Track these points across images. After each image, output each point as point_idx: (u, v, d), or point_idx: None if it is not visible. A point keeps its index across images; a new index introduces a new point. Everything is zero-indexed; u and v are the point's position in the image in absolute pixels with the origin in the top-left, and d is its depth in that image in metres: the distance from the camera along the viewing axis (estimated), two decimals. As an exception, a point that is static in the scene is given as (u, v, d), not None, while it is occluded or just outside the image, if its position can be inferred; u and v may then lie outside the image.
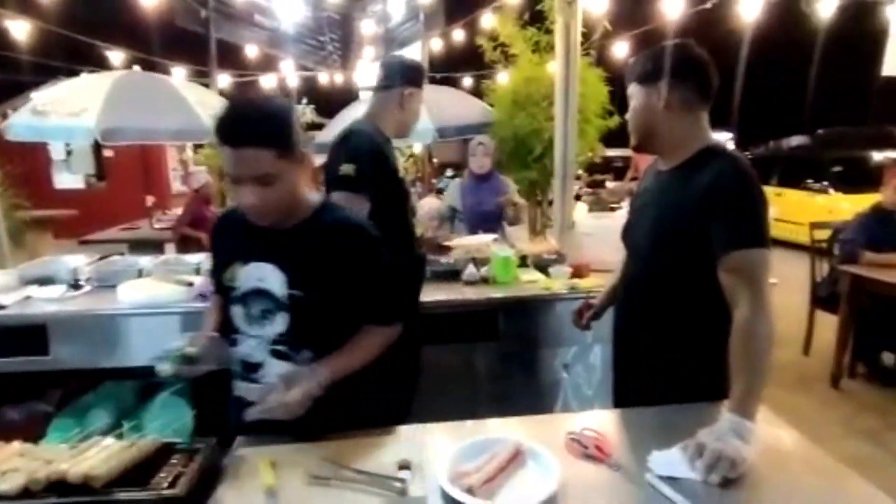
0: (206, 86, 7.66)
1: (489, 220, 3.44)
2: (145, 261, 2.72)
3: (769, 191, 8.37)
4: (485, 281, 2.64)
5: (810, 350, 3.97)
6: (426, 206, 3.86)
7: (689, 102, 1.38)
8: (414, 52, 8.21)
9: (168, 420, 1.23)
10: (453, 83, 8.26)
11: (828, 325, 3.71)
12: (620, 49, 5.38)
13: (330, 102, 8.44)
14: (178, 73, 7.55)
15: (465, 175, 3.71)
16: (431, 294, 2.38)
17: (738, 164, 1.33)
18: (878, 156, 8.17)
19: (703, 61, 1.39)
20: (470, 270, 2.66)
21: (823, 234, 4.02)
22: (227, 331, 1.35)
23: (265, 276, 1.29)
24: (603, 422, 1.32)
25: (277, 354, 1.30)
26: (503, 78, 5.55)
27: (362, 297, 1.33)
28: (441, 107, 5.17)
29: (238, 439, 1.28)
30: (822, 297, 3.84)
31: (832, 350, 3.54)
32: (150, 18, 5.86)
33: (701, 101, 1.40)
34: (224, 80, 8.61)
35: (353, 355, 1.31)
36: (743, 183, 1.30)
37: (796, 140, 10.59)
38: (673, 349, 1.41)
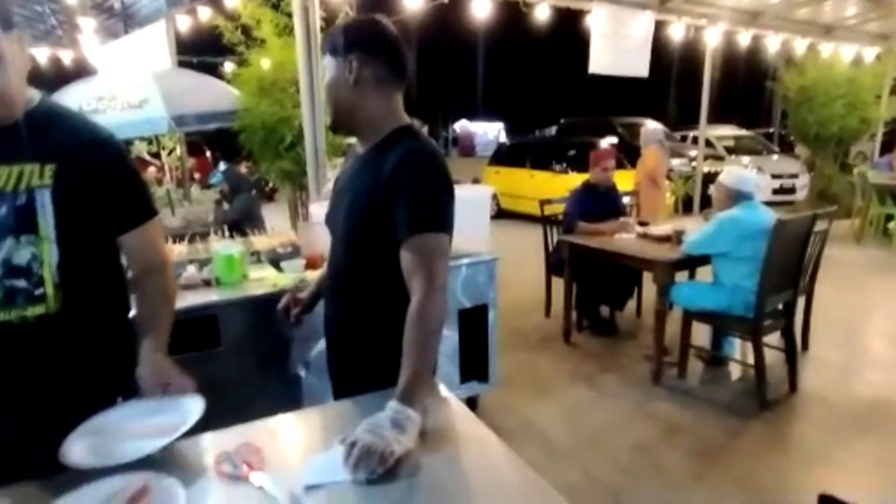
0: None
1: None
2: None
3: (523, 173, 9.56)
4: (207, 283, 2.36)
5: (550, 313, 4.48)
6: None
7: (381, 80, 1.31)
8: (158, 32, 7.22)
9: None
10: (211, 70, 7.48)
11: (562, 288, 4.21)
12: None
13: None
14: None
15: None
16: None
17: (422, 146, 1.29)
18: (602, 141, 9.74)
19: (395, 38, 1.33)
20: (188, 273, 2.35)
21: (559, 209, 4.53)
22: None
23: None
24: (273, 429, 1.19)
25: None
26: (265, 64, 5.14)
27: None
28: (180, 92, 4.59)
29: None
30: (554, 264, 4.34)
31: (565, 310, 4.03)
32: None
33: (393, 80, 1.33)
34: None
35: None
36: (423, 167, 1.27)
37: (550, 130, 12.22)
38: (378, 334, 1.35)
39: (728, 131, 12.30)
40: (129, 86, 4.34)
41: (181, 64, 6.79)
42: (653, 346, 3.38)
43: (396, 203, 1.24)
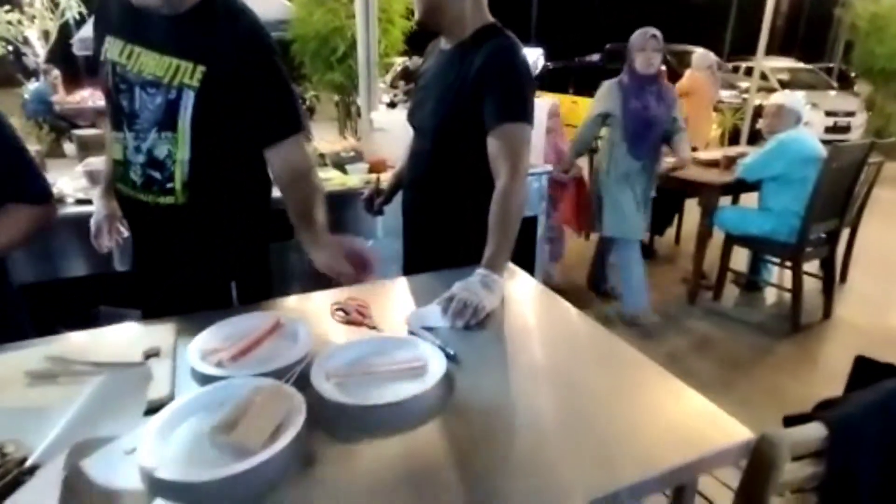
0: None
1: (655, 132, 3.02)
2: None
3: (566, 99, 9.30)
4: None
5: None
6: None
7: None
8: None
9: None
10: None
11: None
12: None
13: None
14: None
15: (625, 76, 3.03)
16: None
17: (509, 43, 1.38)
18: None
19: None
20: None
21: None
22: None
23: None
24: (370, 292, 1.36)
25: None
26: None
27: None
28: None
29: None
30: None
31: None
32: None
33: None
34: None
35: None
36: (510, 62, 1.36)
37: (593, 57, 11.74)
38: (461, 220, 1.49)
39: (784, 63, 11.66)
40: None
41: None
42: (690, 271, 3.49)
43: (485, 95, 1.33)
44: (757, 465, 0.87)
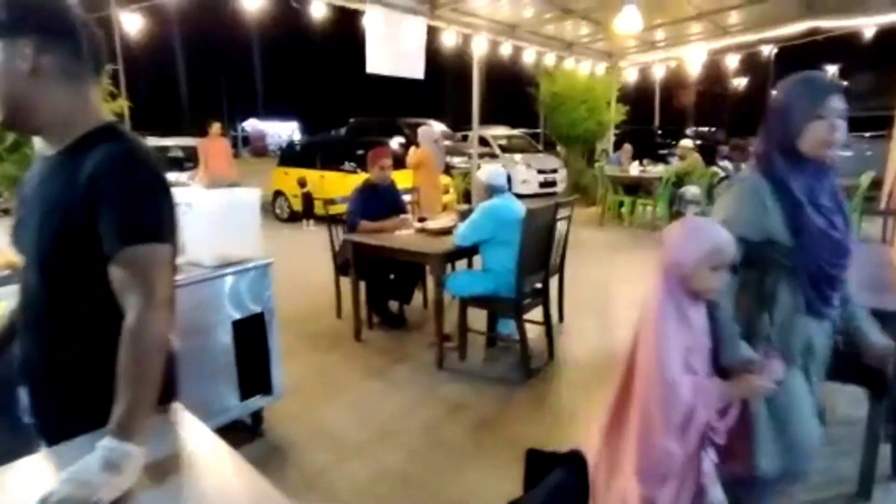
0: None
1: None
2: None
3: (313, 173, 9.36)
4: None
5: (342, 314, 4.47)
6: None
7: (67, 70, 1.12)
8: None
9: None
10: None
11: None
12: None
13: None
14: None
15: None
16: None
17: (129, 147, 1.13)
18: (392, 141, 10.06)
19: (81, 21, 1.13)
20: None
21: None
22: None
23: None
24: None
25: None
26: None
27: None
28: None
29: None
30: (341, 265, 4.35)
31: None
32: None
33: (85, 71, 1.15)
34: None
35: None
36: (128, 169, 1.11)
37: (341, 131, 12.21)
38: (89, 369, 1.15)
39: (502, 131, 13.70)
40: None
41: None
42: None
43: (100, 213, 1.08)
44: None
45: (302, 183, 9.07)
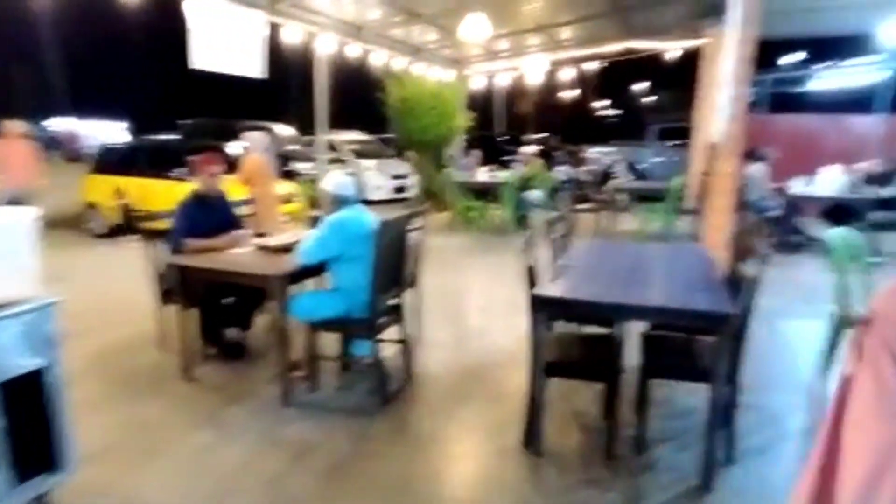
0: None
1: None
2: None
3: (133, 182, 8.14)
4: None
5: (167, 345, 3.82)
6: None
7: None
8: None
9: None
10: None
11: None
12: None
13: None
14: None
15: None
16: None
17: None
18: (233, 146, 9.13)
19: None
20: None
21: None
22: None
23: None
24: None
25: None
26: None
27: None
28: None
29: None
30: (165, 291, 3.71)
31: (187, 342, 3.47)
32: None
33: None
34: None
35: None
36: None
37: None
38: None
39: (352, 136, 13.28)
40: None
41: None
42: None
43: None
44: None
45: (119, 193, 7.88)
